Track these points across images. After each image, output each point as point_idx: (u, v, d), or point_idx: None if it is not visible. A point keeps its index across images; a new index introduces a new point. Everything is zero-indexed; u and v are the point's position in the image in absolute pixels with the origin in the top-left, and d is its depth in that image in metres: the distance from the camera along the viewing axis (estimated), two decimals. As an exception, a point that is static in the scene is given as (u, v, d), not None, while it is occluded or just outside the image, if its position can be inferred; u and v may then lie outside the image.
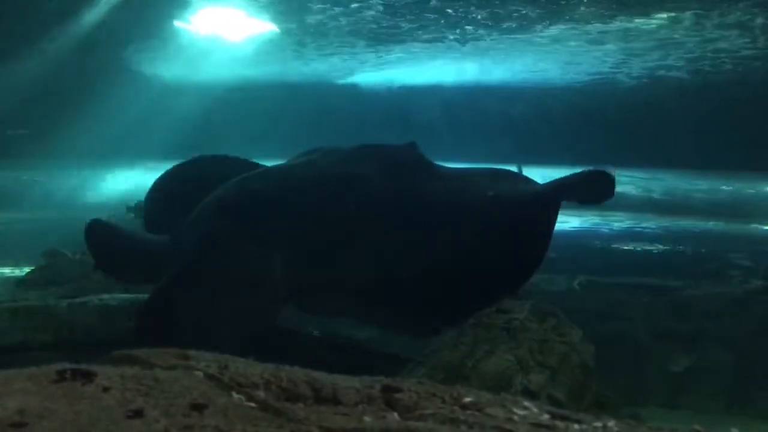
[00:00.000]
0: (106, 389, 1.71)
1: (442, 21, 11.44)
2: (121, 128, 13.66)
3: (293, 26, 11.94)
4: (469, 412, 1.85)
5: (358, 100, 15.42)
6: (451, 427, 1.73)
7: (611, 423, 1.87)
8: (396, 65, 14.03)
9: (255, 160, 6.57)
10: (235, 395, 1.80)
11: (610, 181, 5.20)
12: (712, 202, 15.07)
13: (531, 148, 13.55)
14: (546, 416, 1.89)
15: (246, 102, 14.84)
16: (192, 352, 2.07)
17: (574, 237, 10.92)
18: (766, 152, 13.07)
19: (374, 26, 11.80)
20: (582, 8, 10.47)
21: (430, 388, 1.98)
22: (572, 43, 12.01)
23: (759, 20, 10.68)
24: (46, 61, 12.25)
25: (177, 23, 11.98)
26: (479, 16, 11.15)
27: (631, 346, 8.69)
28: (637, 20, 10.96)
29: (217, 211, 5.28)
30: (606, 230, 12.46)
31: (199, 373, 1.90)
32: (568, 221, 10.48)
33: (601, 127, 14.61)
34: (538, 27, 11.39)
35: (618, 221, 12.93)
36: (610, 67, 13.46)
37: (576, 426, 1.82)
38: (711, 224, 13.69)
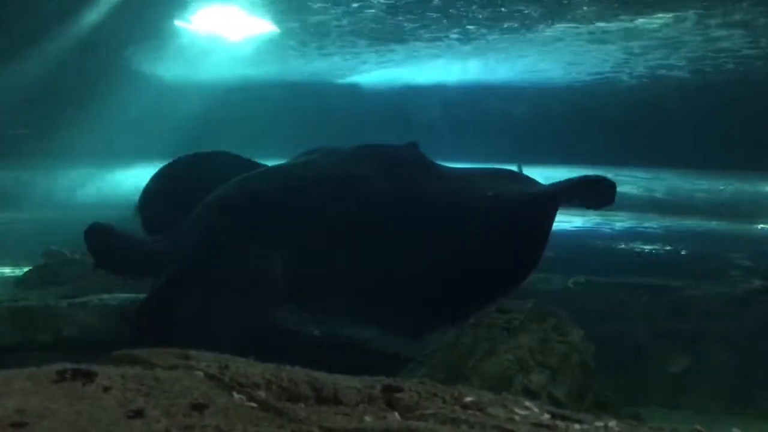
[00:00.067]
0: (106, 389, 1.71)
1: (444, 20, 11.43)
2: (121, 128, 13.66)
3: (294, 26, 11.93)
4: (470, 411, 1.85)
5: (358, 99, 15.41)
6: (452, 427, 1.73)
7: (612, 423, 1.88)
8: (397, 65, 14.03)
9: (255, 160, 6.56)
10: (235, 395, 1.80)
11: (611, 188, 5.29)
12: (713, 202, 15.06)
13: (532, 147, 13.55)
14: (547, 416, 1.89)
15: (246, 102, 14.84)
16: (193, 352, 2.07)
17: (575, 237, 10.92)
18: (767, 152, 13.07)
19: (375, 26, 11.79)
20: (584, 7, 10.46)
21: (431, 388, 1.98)
22: (575, 43, 12.00)
23: (762, 20, 10.66)
24: (46, 61, 12.25)
25: (177, 23, 11.98)
26: (481, 16, 11.14)
27: (632, 346, 8.68)
28: (639, 19, 10.94)
29: (218, 211, 5.27)
30: (607, 230, 12.45)
31: (200, 373, 1.90)
32: (570, 221, 10.48)
33: (603, 126, 14.61)
34: (540, 26, 11.38)
35: (620, 221, 12.93)
36: (612, 67, 13.45)
37: (577, 426, 1.82)
38: (712, 224, 13.68)
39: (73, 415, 1.55)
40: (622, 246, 12.22)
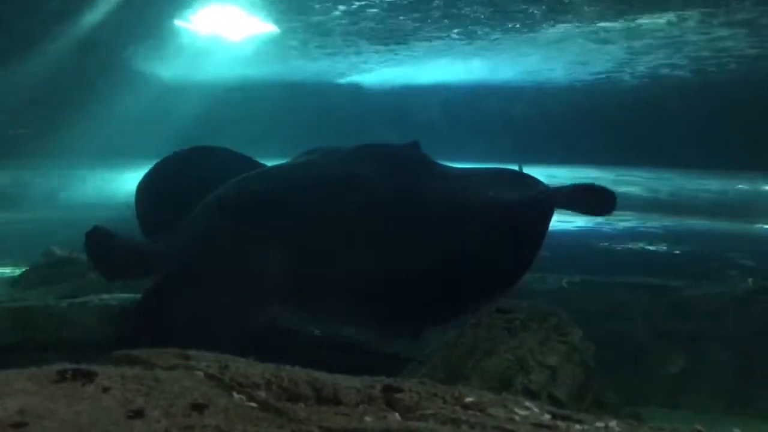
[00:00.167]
0: (106, 389, 1.70)
1: (446, 20, 11.43)
2: (121, 128, 13.67)
3: (294, 25, 11.93)
4: (470, 412, 1.85)
5: (359, 99, 15.42)
6: (452, 427, 1.73)
7: (612, 423, 1.87)
8: (398, 64, 14.03)
9: (248, 156, 6.55)
10: (235, 395, 1.80)
11: (611, 198, 5.37)
12: (715, 202, 15.06)
13: (533, 147, 13.56)
14: (547, 416, 1.89)
15: (246, 101, 14.84)
16: (193, 352, 2.07)
17: (577, 236, 10.92)
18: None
19: (377, 25, 11.79)
20: (586, 7, 10.45)
21: (431, 388, 1.98)
22: (577, 42, 11.99)
23: (764, 20, 10.64)
24: (46, 61, 12.25)
25: (177, 22, 11.98)
26: (483, 15, 11.14)
27: (632, 346, 8.67)
28: (641, 19, 10.93)
29: (217, 211, 5.27)
30: (608, 229, 12.45)
31: (200, 373, 1.90)
32: (572, 221, 10.48)
33: (607, 126, 14.60)
34: (543, 26, 11.37)
35: (623, 221, 12.92)
36: (614, 66, 13.44)
37: (577, 426, 1.82)
38: (713, 224, 13.68)
39: (72, 416, 1.55)
40: (623, 246, 12.22)
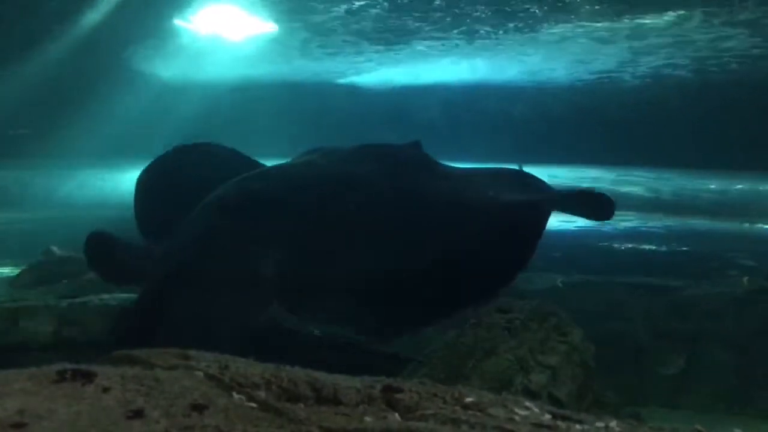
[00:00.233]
0: (106, 389, 1.70)
1: (447, 19, 11.42)
2: (121, 128, 13.66)
3: (295, 25, 11.92)
4: (470, 412, 1.84)
5: (360, 99, 15.41)
6: (452, 427, 1.73)
7: (613, 423, 1.87)
8: (399, 64, 14.02)
9: (254, 160, 6.55)
10: (235, 395, 1.80)
11: (610, 205, 5.50)
12: (715, 202, 15.06)
13: (534, 148, 13.53)
14: (547, 416, 1.89)
15: (246, 101, 14.83)
16: (192, 352, 2.07)
17: (577, 236, 10.91)
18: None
19: (377, 25, 11.78)
20: (588, 6, 10.44)
21: (431, 389, 1.98)
22: (579, 42, 11.97)
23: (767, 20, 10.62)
24: (46, 62, 12.26)
25: (177, 22, 11.98)
26: (484, 15, 11.13)
27: (632, 346, 8.68)
28: (644, 19, 10.92)
29: (217, 211, 5.27)
30: (609, 229, 12.44)
31: (200, 374, 1.90)
32: (573, 221, 10.49)
33: (608, 126, 14.59)
34: (544, 25, 11.36)
35: (623, 221, 12.92)
36: (616, 66, 13.42)
37: (578, 426, 1.82)
38: (713, 224, 13.67)
39: (72, 416, 1.54)
40: (623, 246, 12.22)
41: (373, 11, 11.17)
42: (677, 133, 14.00)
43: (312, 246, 4.98)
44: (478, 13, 11.12)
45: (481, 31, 11.89)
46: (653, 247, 12.33)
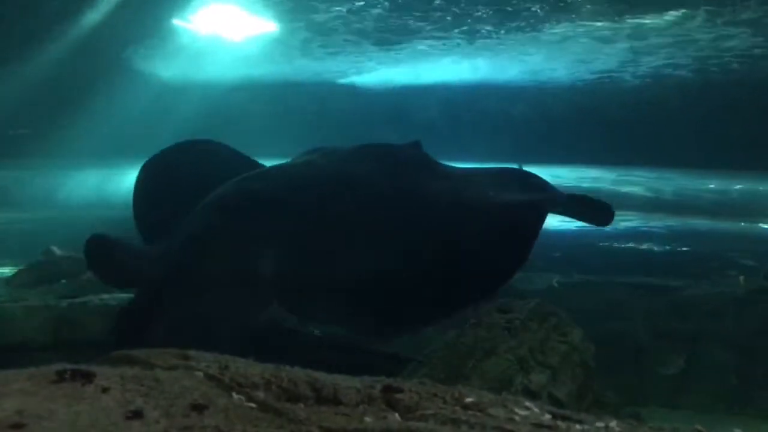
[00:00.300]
0: (105, 390, 1.70)
1: (448, 19, 11.41)
2: (121, 128, 13.66)
3: (295, 25, 11.92)
4: (470, 412, 1.84)
5: (360, 99, 15.40)
6: (452, 427, 1.73)
7: (613, 423, 1.87)
8: (400, 64, 14.01)
9: (254, 160, 6.55)
10: (235, 396, 1.80)
11: (609, 211, 5.68)
12: (716, 202, 15.06)
13: (535, 147, 13.53)
14: (547, 416, 1.89)
15: (247, 101, 14.82)
16: (192, 353, 2.06)
17: (577, 236, 10.91)
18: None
19: (379, 24, 11.77)
20: (589, 6, 10.43)
21: (432, 389, 1.98)
22: (580, 42, 11.96)
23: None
24: (46, 61, 12.25)
25: (177, 22, 11.97)
26: (485, 14, 11.12)
27: (632, 346, 8.68)
28: (645, 18, 10.91)
29: (217, 211, 5.27)
30: (609, 229, 12.44)
31: (200, 374, 1.90)
32: (573, 221, 10.49)
33: (609, 126, 14.58)
34: (546, 25, 11.36)
35: (624, 221, 12.91)
36: (617, 66, 13.41)
37: (578, 426, 1.82)
38: (713, 224, 13.67)
39: (72, 416, 1.54)
40: (623, 246, 12.22)
41: (374, 11, 11.16)
42: (678, 133, 13.99)
43: (312, 246, 4.98)
44: (480, 13, 11.10)
45: (483, 31, 11.88)
46: (653, 247, 12.33)
